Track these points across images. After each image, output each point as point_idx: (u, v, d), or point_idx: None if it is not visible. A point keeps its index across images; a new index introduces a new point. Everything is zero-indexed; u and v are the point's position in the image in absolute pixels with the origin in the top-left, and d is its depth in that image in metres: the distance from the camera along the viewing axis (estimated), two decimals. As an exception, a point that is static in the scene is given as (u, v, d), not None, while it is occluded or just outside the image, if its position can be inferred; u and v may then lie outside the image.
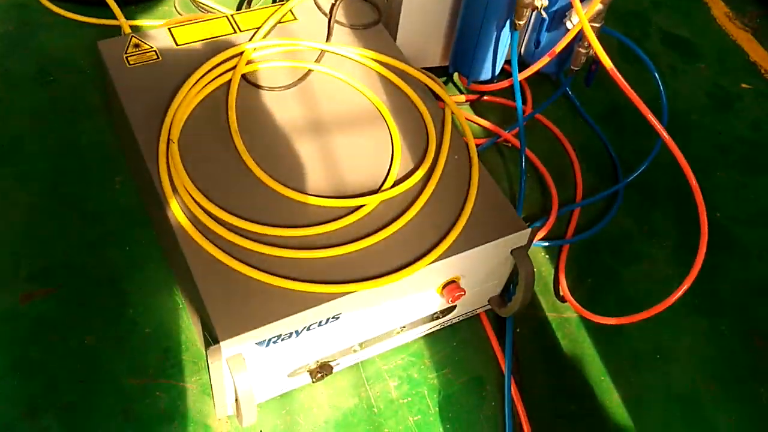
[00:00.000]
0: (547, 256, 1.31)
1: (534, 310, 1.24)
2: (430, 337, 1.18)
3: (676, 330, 1.24)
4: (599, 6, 1.18)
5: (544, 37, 1.32)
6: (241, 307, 0.91)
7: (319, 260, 0.96)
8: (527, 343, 1.19)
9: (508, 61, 1.43)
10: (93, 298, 1.16)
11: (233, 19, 1.25)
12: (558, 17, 1.27)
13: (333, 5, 1.27)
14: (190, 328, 1.14)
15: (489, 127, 1.45)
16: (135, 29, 1.52)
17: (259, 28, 1.22)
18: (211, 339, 0.91)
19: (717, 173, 1.48)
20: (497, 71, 1.38)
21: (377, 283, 0.94)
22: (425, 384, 1.13)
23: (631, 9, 1.78)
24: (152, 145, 1.05)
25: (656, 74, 1.32)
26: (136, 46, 1.19)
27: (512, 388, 1.11)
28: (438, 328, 1.17)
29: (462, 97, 1.50)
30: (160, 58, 1.18)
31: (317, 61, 1.20)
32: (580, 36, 1.27)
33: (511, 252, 1.06)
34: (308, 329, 0.95)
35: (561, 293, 1.25)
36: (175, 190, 1.01)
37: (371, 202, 1.02)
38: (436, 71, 1.34)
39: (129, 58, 1.17)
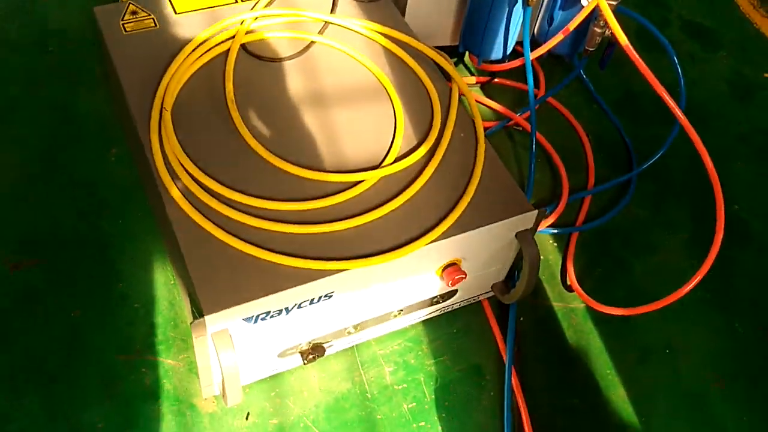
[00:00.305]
0: (555, 244, 1.26)
1: (539, 298, 1.19)
2: (429, 323, 1.13)
3: (687, 324, 1.18)
4: (617, -17, 1.12)
5: (558, 15, 1.26)
6: (228, 281, 0.87)
7: (312, 236, 0.92)
8: (530, 333, 1.14)
9: (519, 42, 1.38)
10: (82, 270, 1.13)
11: (236, -12, 1.21)
12: (573, -4, 1.22)
13: (340, -24, 1.23)
14: (181, 305, 1.10)
15: (499, 109, 1.40)
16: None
17: (261, -3, 1.18)
18: (197, 313, 0.87)
19: (736, 164, 1.42)
20: (509, 50, 1.33)
21: (372, 261, 0.90)
22: (422, 371, 1.08)
23: (652, -5, 1.72)
24: (145, 114, 1.01)
25: (675, 58, 1.26)
26: (134, 13, 1.15)
27: (513, 379, 1.07)
28: (438, 313, 1.12)
29: (472, 79, 1.45)
30: (158, 26, 1.14)
31: (320, 32, 1.16)
32: (595, 15, 1.21)
33: (516, 235, 1.01)
34: (299, 307, 0.90)
35: (568, 282, 1.20)
36: (166, 159, 0.97)
37: (371, 178, 0.98)
38: (445, 51, 1.29)
39: (126, 25, 1.13)
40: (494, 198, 0.99)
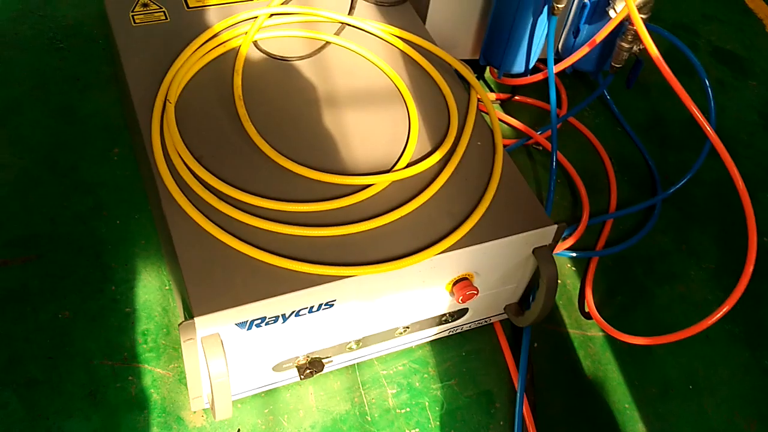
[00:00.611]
0: (573, 268, 1.19)
1: (555, 324, 1.12)
2: (437, 344, 1.06)
3: (713, 359, 1.10)
4: (647, -6, 1.07)
5: (584, 29, 1.21)
6: (223, 282, 0.81)
7: (315, 239, 0.86)
8: (544, 360, 1.07)
9: (541, 60, 1.33)
10: (73, 271, 1.07)
11: (251, -14, 1.17)
12: (600, 9, 1.17)
13: (359, -20, 1.19)
14: (176, 312, 1.04)
15: (519, 127, 1.35)
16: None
17: (277, -3, 1.14)
18: (188, 315, 0.80)
19: (766, 196, 1.35)
20: (531, 64, 1.27)
21: (378, 269, 0.83)
22: (427, 395, 1.01)
23: (680, 21, 1.67)
24: (148, 105, 0.97)
25: (706, 80, 1.20)
26: (145, 5, 1.11)
27: (524, 407, 0.99)
28: (447, 334, 1.05)
29: (492, 95, 1.40)
30: (168, 20, 1.10)
31: (336, 33, 1.11)
32: (623, 29, 1.16)
33: (534, 251, 0.94)
34: (297, 315, 0.84)
35: (586, 309, 1.13)
36: (165, 151, 0.91)
37: (381, 182, 0.92)
38: (465, 63, 1.24)
39: (135, 17, 1.10)
40: (511, 210, 0.93)
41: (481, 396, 1.02)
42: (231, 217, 0.86)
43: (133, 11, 1.10)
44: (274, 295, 0.80)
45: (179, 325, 0.77)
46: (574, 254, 1.19)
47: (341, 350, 0.95)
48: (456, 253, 0.88)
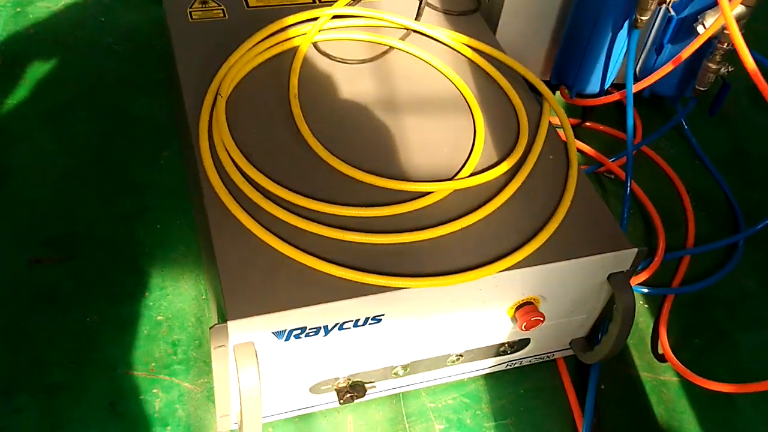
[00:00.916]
0: (646, 306, 1.08)
1: (624, 365, 1.01)
2: (493, 378, 0.96)
3: (805, 417, 0.97)
4: (741, 8, 0.98)
5: (668, 48, 1.12)
6: (261, 285, 0.73)
7: (365, 245, 0.78)
8: (612, 404, 0.96)
9: (615, 85, 1.24)
10: (108, 274, 1.01)
11: (314, -12, 1.12)
12: (687, 25, 1.08)
13: (426, -14, 1.13)
14: (210, 323, 0.96)
15: (590, 153, 1.25)
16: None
17: (340, -1, 1.09)
18: (221, 320, 0.73)
19: None
20: (608, 83, 1.19)
21: (434, 281, 0.75)
22: (479, 433, 0.91)
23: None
24: (198, 99, 0.91)
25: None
26: (204, 2, 1.07)
27: (588, 455, 0.88)
28: (504, 367, 0.95)
29: (561, 120, 1.31)
30: (227, 17, 1.05)
31: (401, 39, 1.05)
32: (711, 48, 1.07)
33: (609, 277, 0.84)
34: (341, 328, 0.75)
35: (660, 351, 1.02)
36: (212, 146, 0.85)
37: (442, 190, 0.84)
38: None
39: (193, 13, 1.05)
40: (586, 229, 0.83)
41: (539, 439, 0.91)
42: (275, 216, 0.79)
43: (191, 7, 1.06)
44: (318, 303, 0.72)
45: (210, 328, 0.70)
46: (648, 290, 1.08)
47: (386, 375, 0.86)
48: (522, 271, 0.78)
